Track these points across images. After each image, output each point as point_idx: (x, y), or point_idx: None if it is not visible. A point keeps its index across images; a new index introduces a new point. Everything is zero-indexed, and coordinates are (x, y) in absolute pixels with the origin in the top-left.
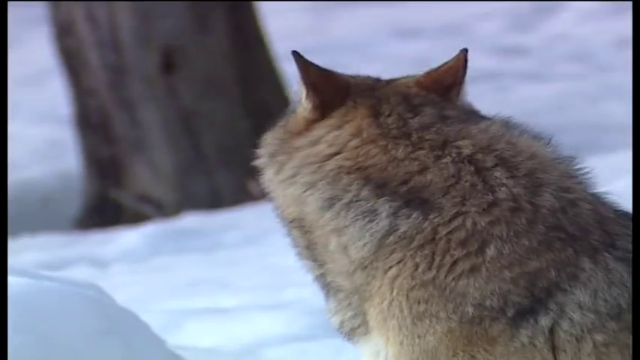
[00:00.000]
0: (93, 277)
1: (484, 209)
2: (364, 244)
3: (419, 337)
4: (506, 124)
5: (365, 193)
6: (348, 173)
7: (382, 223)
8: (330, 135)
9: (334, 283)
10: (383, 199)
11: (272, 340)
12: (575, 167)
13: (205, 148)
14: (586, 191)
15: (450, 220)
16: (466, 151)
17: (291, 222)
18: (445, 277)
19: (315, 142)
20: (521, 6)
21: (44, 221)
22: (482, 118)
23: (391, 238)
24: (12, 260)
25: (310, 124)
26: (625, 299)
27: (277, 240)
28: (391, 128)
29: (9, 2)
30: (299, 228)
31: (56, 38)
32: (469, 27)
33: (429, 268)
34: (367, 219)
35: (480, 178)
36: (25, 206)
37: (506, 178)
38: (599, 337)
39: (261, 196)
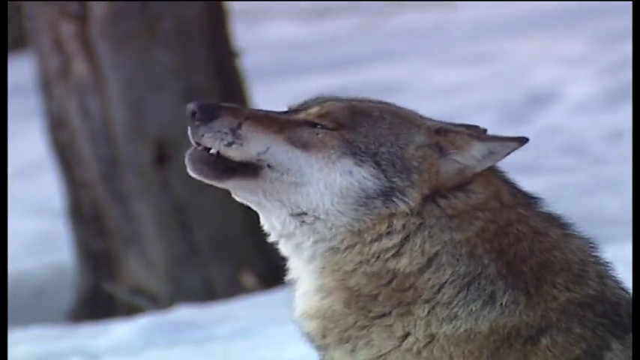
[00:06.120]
0: None
1: (564, 301)
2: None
3: None
4: None
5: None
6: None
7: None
8: None
9: None
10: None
11: None
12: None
13: (198, 240)
14: (616, 281)
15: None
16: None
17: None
18: None
19: None
20: (514, 98)
21: (37, 314)
22: None
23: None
24: None
25: None
26: None
27: (271, 332)
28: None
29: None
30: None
31: (49, 131)
32: (463, 120)
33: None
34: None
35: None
36: (18, 299)
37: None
38: None
39: (254, 288)
